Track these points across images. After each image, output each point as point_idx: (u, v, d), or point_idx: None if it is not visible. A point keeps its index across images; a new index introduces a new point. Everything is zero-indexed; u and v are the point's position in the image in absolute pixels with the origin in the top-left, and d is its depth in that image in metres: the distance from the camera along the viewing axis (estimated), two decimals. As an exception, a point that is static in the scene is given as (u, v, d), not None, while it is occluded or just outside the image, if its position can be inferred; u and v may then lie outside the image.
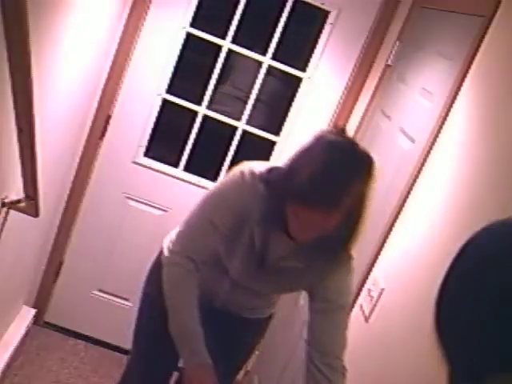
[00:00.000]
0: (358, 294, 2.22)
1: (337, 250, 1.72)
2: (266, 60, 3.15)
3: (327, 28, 3.12)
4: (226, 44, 3.10)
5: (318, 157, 1.55)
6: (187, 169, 3.28)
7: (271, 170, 1.71)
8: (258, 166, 1.74)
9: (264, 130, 3.26)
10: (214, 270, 1.88)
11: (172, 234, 2.04)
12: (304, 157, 1.60)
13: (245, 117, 3.22)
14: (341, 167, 1.54)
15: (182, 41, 3.08)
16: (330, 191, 1.54)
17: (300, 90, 3.20)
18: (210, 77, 3.15)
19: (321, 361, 1.71)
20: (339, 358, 1.72)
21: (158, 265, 1.98)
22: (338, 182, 1.55)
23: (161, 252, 2.05)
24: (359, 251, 2.29)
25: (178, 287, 1.79)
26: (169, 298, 1.78)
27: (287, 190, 1.58)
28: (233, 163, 3.27)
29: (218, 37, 3.10)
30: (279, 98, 3.51)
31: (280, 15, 3.08)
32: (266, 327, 2.17)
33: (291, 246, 1.73)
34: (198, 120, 3.20)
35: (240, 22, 3.07)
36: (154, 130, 3.21)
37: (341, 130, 1.63)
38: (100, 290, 3.39)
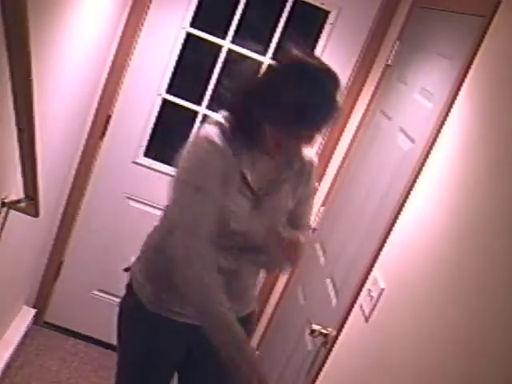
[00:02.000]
0: (358, 294, 2.22)
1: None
2: (266, 60, 3.14)
3: (327, 28, 3.12)
4: (226, 44, 3.10)
5: (299, 84, 1.58)
6: (187, 169, 3.27)
7: (227, 119, 1.74)
8: (209, 130, 1.72)
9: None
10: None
11: (136, 260, 2.02)
12: (277, 83, 1.62)
13: (245, 117, 3.22)
14: (326, 93, 1.60)
15: (182, 41, 3.09)
16: (319, 117, 1.60)
17: (300, 90, 3.20)
18: (210, 77, 3.15)
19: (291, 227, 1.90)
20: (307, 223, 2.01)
21: (134, 303, 1.91)
22: (325, 108, 1.60)
23: (130, 285, 1.96)
24: (359, 251, 2.30)
25: (210, 293, 1.69)
26: (204, 312, 1.70)
27: (267, 118, 1.64)
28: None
29: (218, 37, 3.10)
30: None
31: (280, 15, 3.08)
32: (256, 325, 2.20)
33: (274, 166, 1.79)
34: (198, 120, 3.20)
35: (240, 22, 3.07)
36: (154, 129, 3.21)
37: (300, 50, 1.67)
38: (100, 290, 3.39)
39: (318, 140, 1.69)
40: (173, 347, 1.96)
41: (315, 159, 1.96)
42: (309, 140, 1.72)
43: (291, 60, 1.65)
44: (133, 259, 2.03)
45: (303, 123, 1.60)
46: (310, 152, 1.93)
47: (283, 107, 1.59)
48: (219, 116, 1.77)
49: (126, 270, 2.01)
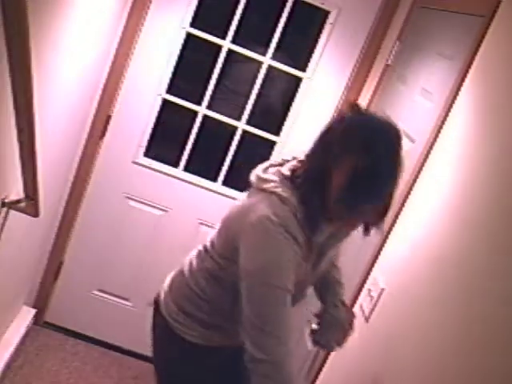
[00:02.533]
0: (358, 294, 2.22)
1: None
2: (266, 60, 3.15)
3: (327, 28, 3.12)
4: (226, 44, 3.10)
5: (356, 151, 1.50)
6: (187, 169, 3.28)
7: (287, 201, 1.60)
8: (269, 209, 1.59)
9: (264, 129, 3.26)
10: None
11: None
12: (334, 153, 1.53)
13: (245, 117, 3.23)
14: (386, 160, 1.52)
15: (182, 41, 3.09)
16: (379, 191, 1.53)
17: (300, 90, 3.20)
18: (210, 77, 3.15)
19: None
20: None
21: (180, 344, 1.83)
22: (384, 177, 1.53)
23: (167, 325, 1.86)
24: (359, 251, 2.30)
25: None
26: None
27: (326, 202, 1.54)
28: (233, 163, 3.27)
29: (218, 37, 3.10)
30: (279, 98, 3.51)
31: (280, 15, 3.08)
32: None
33: (330, 228, 1.69)
34: (198, 120, 3.20)
35: (240, 22, 3.07)
36: (154, 129, 3.21)
37: (356, 107, 1.60)
38: (100, 290, 3.39)
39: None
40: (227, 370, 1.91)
41: None
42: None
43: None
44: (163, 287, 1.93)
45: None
46: None
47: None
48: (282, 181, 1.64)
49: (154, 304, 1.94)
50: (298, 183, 1.62)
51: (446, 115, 1.95)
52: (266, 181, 1.65)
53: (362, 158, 1.48)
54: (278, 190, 1.61)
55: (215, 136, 3.35)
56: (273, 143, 3.27)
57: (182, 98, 3.18)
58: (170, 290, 1.87)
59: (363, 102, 3.00)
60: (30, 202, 1.98)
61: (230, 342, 1.79)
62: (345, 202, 1.51)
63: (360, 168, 1.47)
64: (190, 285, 1.80)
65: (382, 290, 2.02)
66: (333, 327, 1.86)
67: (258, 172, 1.71)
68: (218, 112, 3.21)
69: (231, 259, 1.65)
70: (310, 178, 1.59)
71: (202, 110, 3.19)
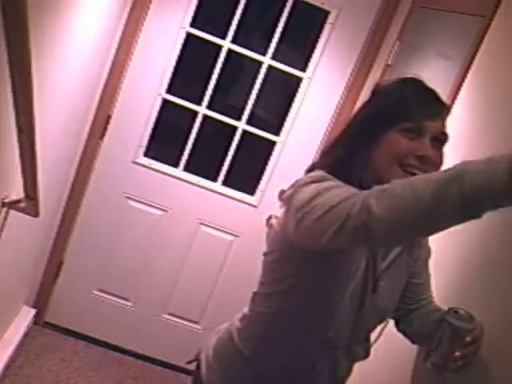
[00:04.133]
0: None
1: None
2: (266, 60, 3.15)
3: (327, 28, 3.12)
4: (226, 44, 3.10)
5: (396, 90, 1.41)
6: (187, 169, 3.28)
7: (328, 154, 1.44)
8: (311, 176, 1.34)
9: (264, 130, 3.26)
10: (304, 337, 1.46)
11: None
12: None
13: (245, 117, 3.23)
14: (424, 86, 1.41)
15: (182, 41, 3.09)
16: (435, 96, 1.39)
17: (300, 90, 3.20)
18: (210, 77, 3.15)
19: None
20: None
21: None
22: (434, 92, 1.41)
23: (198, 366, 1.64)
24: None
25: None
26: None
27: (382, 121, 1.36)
28: (233, 163, 3.28)
29: (218, 37, 3.10)
30: (279, 98, 3.51)
31: (280, 15, 3.08)
32: None
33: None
34: (198, 120, 3.20)
35: (240, 21, 3.08)
36: (154, 129, 3.21)
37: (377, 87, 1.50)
38: (100, 290, 3.39)
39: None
40: None
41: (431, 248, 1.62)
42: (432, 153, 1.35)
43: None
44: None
45: (405, 112, 1.35)
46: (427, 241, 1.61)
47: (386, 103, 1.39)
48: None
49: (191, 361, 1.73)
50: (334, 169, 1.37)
51: (446, 115, 1.95)
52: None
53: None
54: (311, 174, 1.36)
55: (215, 136, 3.35)
56: (273, 143, 3.27)
57: (182, 98, 3.18)
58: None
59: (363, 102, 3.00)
60: (30, 202, 1.98)
61: None
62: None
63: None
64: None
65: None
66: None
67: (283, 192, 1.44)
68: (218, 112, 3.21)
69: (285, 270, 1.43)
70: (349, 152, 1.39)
71: (202, 109, 3.19)
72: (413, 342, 1.63)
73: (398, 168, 1.33)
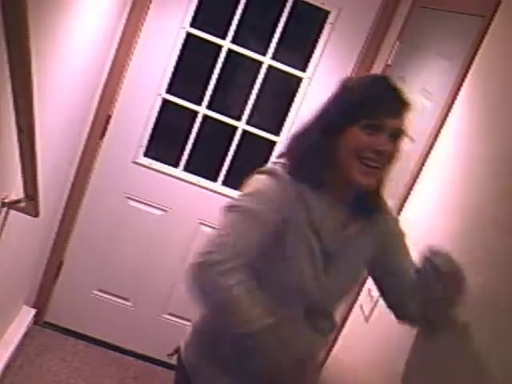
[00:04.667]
0: (358, 294, 2.22)
1: (379, 194, 1.61)
2: (266, 60, 3.15)
3: (327, 28, 3.12)
4: (226, 44, 3.10)
5: (360, 86, 1.53)
6: (187, 169, 3.28)
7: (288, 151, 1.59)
8: (270, 167, 1.55)
9: (264, 130, 3.26)
10: (281, 309, 1.54)
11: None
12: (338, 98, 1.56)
13: (245, 117, 3.23)
14: (389, 86, 1.51)
15: (182, 41, 3.09)
16: (398, 95, 1.49)
17: (300, 90, 3.20)
18: (209, 77, 3.15)
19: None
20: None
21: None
22: (398, 90, 1.50)
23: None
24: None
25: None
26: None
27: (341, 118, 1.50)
28: (233, 163, 3.28)
29: (218, 37, 3.10)
30: (279, 98, 3.51)
31: (280, 15, 3.08)
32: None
33: (344, 212, 1.57)
34: (198, 120, 3.21)
35: (240, 21, 3.08)
36: (154, 129, 3.21)
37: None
38: (100, 290, 3.39)
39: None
40: None
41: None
42: (389, 146, 1.48)
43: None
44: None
45: (367, 110, 1.47)
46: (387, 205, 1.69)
47: (347, 103, 1.52)
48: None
49: None
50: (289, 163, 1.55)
51: (446, 115, 1.96)
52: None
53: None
54: (264, 168, 1.56)
55: (215, 136, 3.35)
56: (273, 143, 3.27)
57: (182, 98, 3.18)
58: None
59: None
60: (30, 202, 1.98)
61: None
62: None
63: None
64: None
65: (382, 289, 2.01)
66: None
67: None
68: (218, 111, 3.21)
69: None
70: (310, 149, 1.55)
71: (202, 109, 3.19)
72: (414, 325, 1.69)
73: (357, 161, 1.47)
